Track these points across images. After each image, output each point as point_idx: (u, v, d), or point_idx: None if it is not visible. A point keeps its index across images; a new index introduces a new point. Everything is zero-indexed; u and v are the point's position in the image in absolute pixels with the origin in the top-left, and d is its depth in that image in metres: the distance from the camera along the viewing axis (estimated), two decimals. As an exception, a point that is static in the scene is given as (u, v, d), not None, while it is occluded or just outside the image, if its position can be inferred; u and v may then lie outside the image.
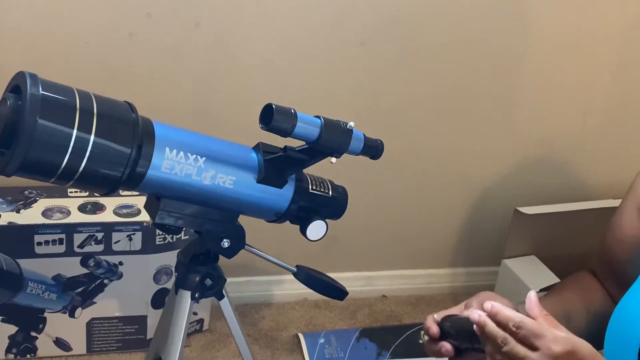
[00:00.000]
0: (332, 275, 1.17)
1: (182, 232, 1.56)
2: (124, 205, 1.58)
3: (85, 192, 1.58)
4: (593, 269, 1.21)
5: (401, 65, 1.74)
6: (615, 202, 1.96)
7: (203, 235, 1.01)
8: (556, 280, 1.87)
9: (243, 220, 1.03)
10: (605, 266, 1.16)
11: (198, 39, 1.58)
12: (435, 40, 1.73)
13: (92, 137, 0.84)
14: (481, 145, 1.90)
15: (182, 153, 0.91)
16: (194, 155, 0.93)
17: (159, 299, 1.63)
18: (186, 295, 1.05)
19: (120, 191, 1.61)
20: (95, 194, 1.54)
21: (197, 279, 1.04)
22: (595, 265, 1.20)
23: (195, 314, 1.74)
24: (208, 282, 1.05)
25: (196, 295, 1.05)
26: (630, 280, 1.05)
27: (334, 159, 1.00)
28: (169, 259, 1.59)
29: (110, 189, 0.90)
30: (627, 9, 1.84)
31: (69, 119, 0.83)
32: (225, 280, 1.07)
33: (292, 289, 1.92)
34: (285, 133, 0.93)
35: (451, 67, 1.77)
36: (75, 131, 0.83)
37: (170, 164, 0.90)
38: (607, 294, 1.16)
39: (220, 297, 1.09)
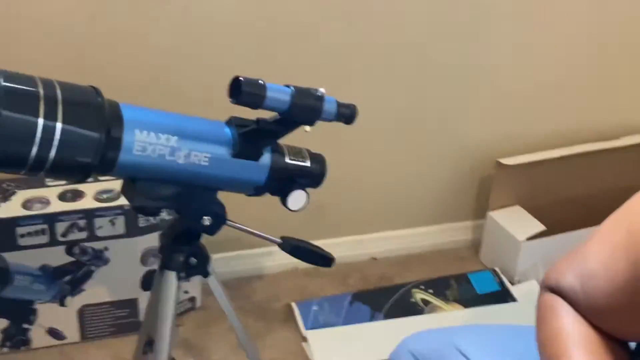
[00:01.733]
0: (320, 242, 1.16)
1: (165, 212, 1.55)
2: (104, 190, 1.57)
3: (61, 180, 1.57)
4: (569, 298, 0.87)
5: (378, 30, 1.72)
6: (595, 146, 1.97)
7: (183, 214, 1.00)
8: (542, 228, 1.88)
9: (223, 195, 1.02)
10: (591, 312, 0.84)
11: (162, 16, 1.55)
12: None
13: (59, 125, 0.83)
14: (460, 100, 1.90)
15: (152, 133, 0.90)
16: (166, 135, 0.91)
17: (148, 281, 1.62)
18: (172, 276, 1.04)
19: (98, 176, 1.60)
20: (70, 181, 1.53)
21: (181, 258, 1.04)
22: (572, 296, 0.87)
23: (186, 292, 1.74)
24: (192, 261, 1.05)
25: (181, 275, 1.04)
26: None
27: (308, 128, 0.99)
28: (155, 240, 1.59)
29: (84, 176, 0.89)
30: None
31: (33, 109, 0.82)
32: (210, 257, 1.07)
33: (281, 259, 1.92)
34: (255, 105, 0.92)
35: (429, 21, 1.76)
36: (41, 120, 0.82)
37: (141, 145, 0.89)
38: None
39: (206, 274, 1.08)
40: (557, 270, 0.87)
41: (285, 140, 1.03)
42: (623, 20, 1.93)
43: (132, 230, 1.55)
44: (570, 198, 2.02)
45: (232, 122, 0.99)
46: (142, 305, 1.64)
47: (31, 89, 0.83)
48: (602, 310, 0.80)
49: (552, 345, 0.84)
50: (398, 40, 1.76)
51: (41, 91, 0.83)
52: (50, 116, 0.82)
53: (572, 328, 0.87)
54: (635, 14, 1.93)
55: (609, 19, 1.91)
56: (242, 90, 0.90)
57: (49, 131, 0.82)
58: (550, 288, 0.87)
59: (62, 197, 1.54)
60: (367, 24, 1.71)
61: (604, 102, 2.03)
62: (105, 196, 1.55)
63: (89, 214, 1.51)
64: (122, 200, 1.53)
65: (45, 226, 1.49)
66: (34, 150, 0.82)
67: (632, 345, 0.85)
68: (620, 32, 1.94)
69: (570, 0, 1.86)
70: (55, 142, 0.83)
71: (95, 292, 1.60)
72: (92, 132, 0.85)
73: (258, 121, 0.99)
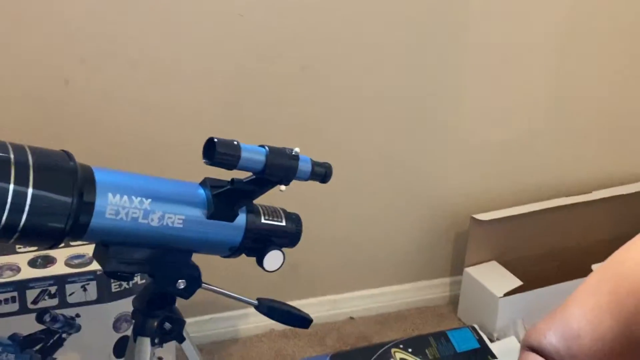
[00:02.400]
0: (296, 302, 1.15)
1: (138, 277, 1.52)
2: (75, 256, 1.54)
3: (32, 247, 1.54)
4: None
5: (346, 88, 1.74)
6: (568, 200, 1.99)
7: (157, 278, 0.98)
8: (518, 283, 1.88)
9: (198, 258, 1.01)
10: None
11: (134, 79, 1.56)
12: (384, 50, 1.74)
13: (30, 190, 0.81)
14: (432, 158, 1.91)
15: (125, 197, 0.89)
16: (139, 198, 0.90)
17: (121, 348, 1.58)
18: (145, 342, 1.01)
19: (70, 242, 1.58)
20: (41, 247, 1.50)
21: (155, 323, 1.01)
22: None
23: (160, 358, 1.69)
24: (167, 326, 1.02)
25: (156, 340, 1.02)
26: None
27: (283, 187, 0.99)
28: (128, 305, 1.55)
29: (55, 242, 0.87)
30: (555, 19, 1.88)
31: (4, 174, 0.80)
32: (184, 322, 1.05)
33: (257, 321, 1.89)
34: (230, 166, 0.92)
35: (397, 74, 1.78)
36: (12, 186, 0.80)
37: (114, 209, 0.88)
38: None
39: (181, 339, 1.06)
40: (538, 330, 0.85)
41: (259, 200, 1.02)
42: (584, 75, 1.97)
43: (105, 296, 1.52)
44: (545, 252, 2.03)
45: (207, 183, 0.99)
46: (115, 373, 1.60)
47: (2, 154, 0.82)
48: None
49: None
50: (368, 93, 1.77)
51: (12, 156, 0.82)
52: (21, 182, 0.81)
53: None
54: (592, 71, 1.98)
55: (567, 74, 1.96)
56: (216, 151, 0.90)
57: (19, 197, 0.80)
58: (532, 348, 0.86)
59: (33, 263, 1.51)
60: (329, 72, 1.73)
61: (571, 157, 2.06)
62: (76, 261, 1.52)
63: (60, 280, 1.48)
64: (94, 265, 1.50)
65: (15, 293, 1.45)
66: (4, 216, 0.80)
67: None
68: (580, 86, 1.98)
69: (531, 57, 1.90)
70: (26, 208, 0.81)
71: (67, 360, 1.55)
72: (64, 196, 0.84)
73: (233, 182, 0.98)
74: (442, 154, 1.92)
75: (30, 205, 0.81)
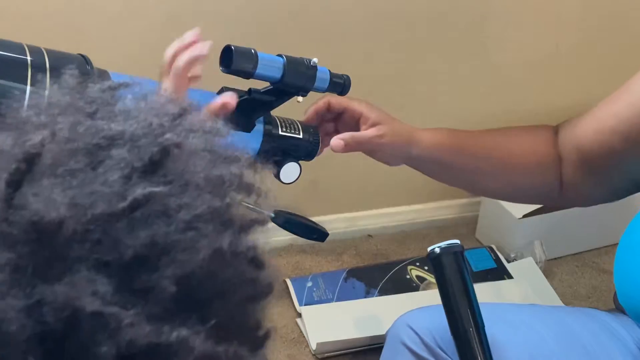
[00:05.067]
0: (315, 219, 1.16)
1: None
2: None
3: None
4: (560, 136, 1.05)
5: (362, 5, 1.71)
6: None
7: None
8: (538, 204, 1.87)
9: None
10: (580, 153, 1.01)
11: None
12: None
13: (47, 93, 0.81)
14: (456, 75, 1.88)
15: (142, 103, 0.89)
16: (156, 104, 0.90)
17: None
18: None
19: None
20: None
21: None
22: (564, 142, 1.04)
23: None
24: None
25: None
26: (616, 182, 0.99)
27: (300, 98, 0.98)
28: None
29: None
30: None
31: (21, 76, 0.80)
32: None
33: (276, 235, 1.91)
34: (247, 74, 0.91)
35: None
36: (28, 87, 0.80)
37: (131, 115, 0.88)
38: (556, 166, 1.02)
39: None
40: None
41: (277, 112, 1.02)
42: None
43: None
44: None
45: (224, 92, 0.98)
46: None
47: (19, 56, 0.82)
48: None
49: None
50: (388, 7, 1.74)
51: (29, 58, 0.82)
52: (38, 85, 0.81)
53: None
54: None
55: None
56: (233, 59, 0.89)
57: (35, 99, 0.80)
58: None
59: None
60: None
61: (595, 82, 2.02)
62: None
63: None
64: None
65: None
66: (21, 118, 0.80)
67: None
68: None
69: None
70: (43, 110, 0.81)
71: None
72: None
73: (250, 91, 0.97)
74: (465, 72, 1.89)
75: (47, 108, 0.81)
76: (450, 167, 1.00)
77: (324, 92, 0.99)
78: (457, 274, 0.86)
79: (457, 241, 0.88)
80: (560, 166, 1.01)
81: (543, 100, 1.99)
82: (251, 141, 0.99)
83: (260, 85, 0.97)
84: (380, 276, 1.83)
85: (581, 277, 1.87)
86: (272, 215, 1.09)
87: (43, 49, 0.84)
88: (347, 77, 1.00)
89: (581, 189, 1.02)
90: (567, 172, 1.01)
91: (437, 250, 0.87)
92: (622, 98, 0.97)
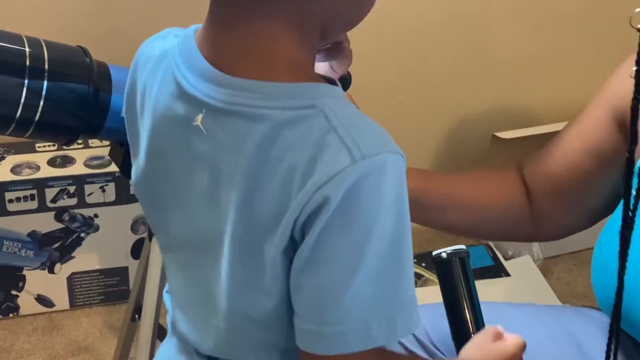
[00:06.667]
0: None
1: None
2: (95, 157, 1.55)
3: (48, 142, 1.54)
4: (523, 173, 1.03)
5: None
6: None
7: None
8: (537, 203, 1.87)
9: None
10: (549, 180, 0.99)
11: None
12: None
13: (45, 83, 0.81)
14: (455, 72, 1.88)
15: (141, 95, 0.88)
16: (155, 97, 0.89)
17: (139, 249, 1.61)
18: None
19: (89, 142, 1.59)
20: (57, 143, 1.51)
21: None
22: (531, 174, 1.01)
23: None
24: (181, 227, 1.03)
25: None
26: (588, 204, 0.97)
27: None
28: (146, 208, 1.57)
29: (71, 138, 0.87)
30: None
31: (19, 67, 0.80)
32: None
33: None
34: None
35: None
36: (27, 80, 0.80)
37: (129, 107, 0.87)
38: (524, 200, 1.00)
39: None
40: None
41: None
42: None
43: (123, 198, 1.53)
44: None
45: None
46: (133, 274, 1.62)
47: (17, 47, 0.81)
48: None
49: None
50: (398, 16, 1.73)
51: (27, 50, 0.81)
52: (37, 75, 0.81)
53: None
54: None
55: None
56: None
57: (35, 89, 0.80)
58: None
59: (52, 162, 1.52)
60: None
61: (597, 76, 2.01)
62: (95, 162, 1.53)
63: (79, 180, 1.49)
64: (113, 167, 1.51)
65: (34, 191, 1.47)
66: (20, 108, 0.80)
67: None
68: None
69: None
70: (42, 101, 0.81)
71: (85, 259, 1.58)
72: (80, 91, 0.83)
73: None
74: (464, 70, 1.88)
75: (45, 98, 0.81)
76: (417, 203, 0.97)
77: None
78: (463, 280, 0.85)
79: (463, 246, 0.87)
80: (530, 201, 1.00)
81: (542, 96, 1.99)
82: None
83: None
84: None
85: (578, 276, 1.87)
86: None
87: (42, 40, 0.84)
88: (348, 73, 0.99)
89: (554, 219, 1.00)
90: (539, 205, 0.99)
91: (444, 255, 0.86)
92: (585, 116, 0.96)
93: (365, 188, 0.56)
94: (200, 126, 0.59)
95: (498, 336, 0.75)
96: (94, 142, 1.58)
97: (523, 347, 0.75)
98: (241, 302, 0.63)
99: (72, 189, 1.49)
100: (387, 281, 0.59)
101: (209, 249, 0.63)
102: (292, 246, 0.58)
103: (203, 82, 0.59)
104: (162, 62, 0.64)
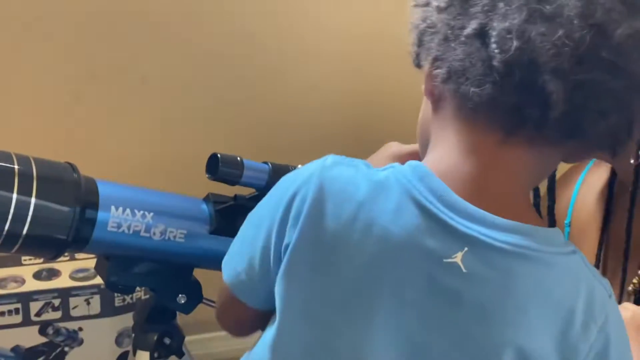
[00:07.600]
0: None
1: (142, 292, 1.53)
2: (80, 269, 1.54)
3: (34, 257, 1.54)
4: None
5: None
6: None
7: (158, 292, 0.99)
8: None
9: (199, 273, 1.01)
10: None
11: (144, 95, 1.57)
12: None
13: (32, 200, 0.82)
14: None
15: (128, 210, 0.90)
16: (142, 211, 0.91)
17: (123, 363, 1.58)
18: (145, 356, 1.01)
19: (74, 253, 1.58)
20: (43, 258, 1.51)
21: (155, 337, 1.01)
22: None
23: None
24: (167, 340, 1.02)
25: (155, 355, 1.02)
26: None
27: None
28: (131, 320, 1.55)
29: (57, 252, 0.88)
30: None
31: (8, 184, 0.81)
32: (184, 337, 1.05)
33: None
34: (233, 182, 0.93)
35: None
36: (15, 195, 0.81)
37: (116, 222, 0.88)
38: None
39: (180, 354, 1.06)
40: None
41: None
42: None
43: (107, 310, 1.52)
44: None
45: (210, 198, 0.99)
46: (117, 388, 1.59)
47: (6, 164, 0.83)
48: None
49: None
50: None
51: (16, 167, 0.83)
52: (25, 192, 0.82)
53: None
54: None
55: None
56: (219, 167, 0.90)
57: (22, 206, 0.81)
58: None
59: (37, 275, 1.52)
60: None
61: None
62: (81, 275, 1.52)
63: (64, 293, 1.48)
64: (98, 279, 1.50)
65: (18, 305, 1.46)
66: (7, 224, 0.81)
67: None
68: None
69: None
70: (29, 217, 0.82)
71: (69, 374, 1.55)
72: (67, 207, 0.85)
73: (235, 197, 0.99)
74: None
75: (33, 215, 0.82)
76: None
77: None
78: None
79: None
80: None
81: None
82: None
83: (246, 191, 0.98)
84: None
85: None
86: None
87: (31, 158, 0.85)
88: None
89: None
90: None
91: None
92: None
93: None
94: (460, 264, 0.62)
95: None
96: (80, 254, 1.58)
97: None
98: None
99: (57, 302, 1.48)
100: None
101: None
102: None
103: (469, 222, 0.63)
104: (383, 192, 0.66)
